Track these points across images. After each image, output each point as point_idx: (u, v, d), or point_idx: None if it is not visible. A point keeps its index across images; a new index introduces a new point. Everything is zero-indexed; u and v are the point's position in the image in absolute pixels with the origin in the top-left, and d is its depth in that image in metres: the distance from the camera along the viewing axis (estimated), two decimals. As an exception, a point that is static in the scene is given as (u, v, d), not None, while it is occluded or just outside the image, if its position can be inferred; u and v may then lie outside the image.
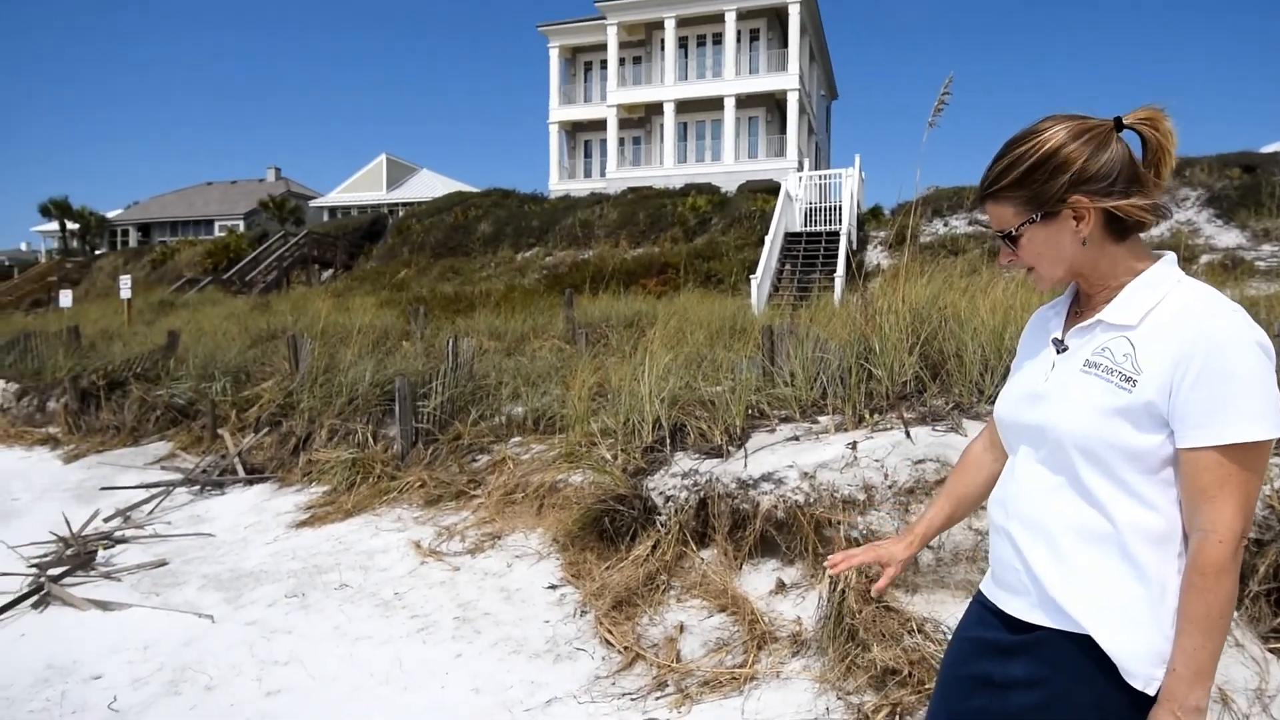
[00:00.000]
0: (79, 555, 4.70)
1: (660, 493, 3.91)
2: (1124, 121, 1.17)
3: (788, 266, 15.77)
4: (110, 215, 45.21)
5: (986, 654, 1.29)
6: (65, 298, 17.30)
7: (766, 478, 3.55)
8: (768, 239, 15.37)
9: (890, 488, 3.29)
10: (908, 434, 3.40)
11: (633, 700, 2.87)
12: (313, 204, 42.48)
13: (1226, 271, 11.87)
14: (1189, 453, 1.09)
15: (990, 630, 1.30)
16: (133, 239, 44.28)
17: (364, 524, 5.00)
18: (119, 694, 3.17)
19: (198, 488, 6.12)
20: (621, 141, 31.02)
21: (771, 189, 21.65)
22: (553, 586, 3.85)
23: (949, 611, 3.07)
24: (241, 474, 6.27)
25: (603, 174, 30.98)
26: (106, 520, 5.42)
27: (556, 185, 31.52)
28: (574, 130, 33.29)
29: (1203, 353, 1.07)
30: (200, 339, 10.10)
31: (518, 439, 5.57)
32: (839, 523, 3.34)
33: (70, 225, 39.91)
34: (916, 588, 3.25)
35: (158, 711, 3.03)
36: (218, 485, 6.17)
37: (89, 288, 27.50)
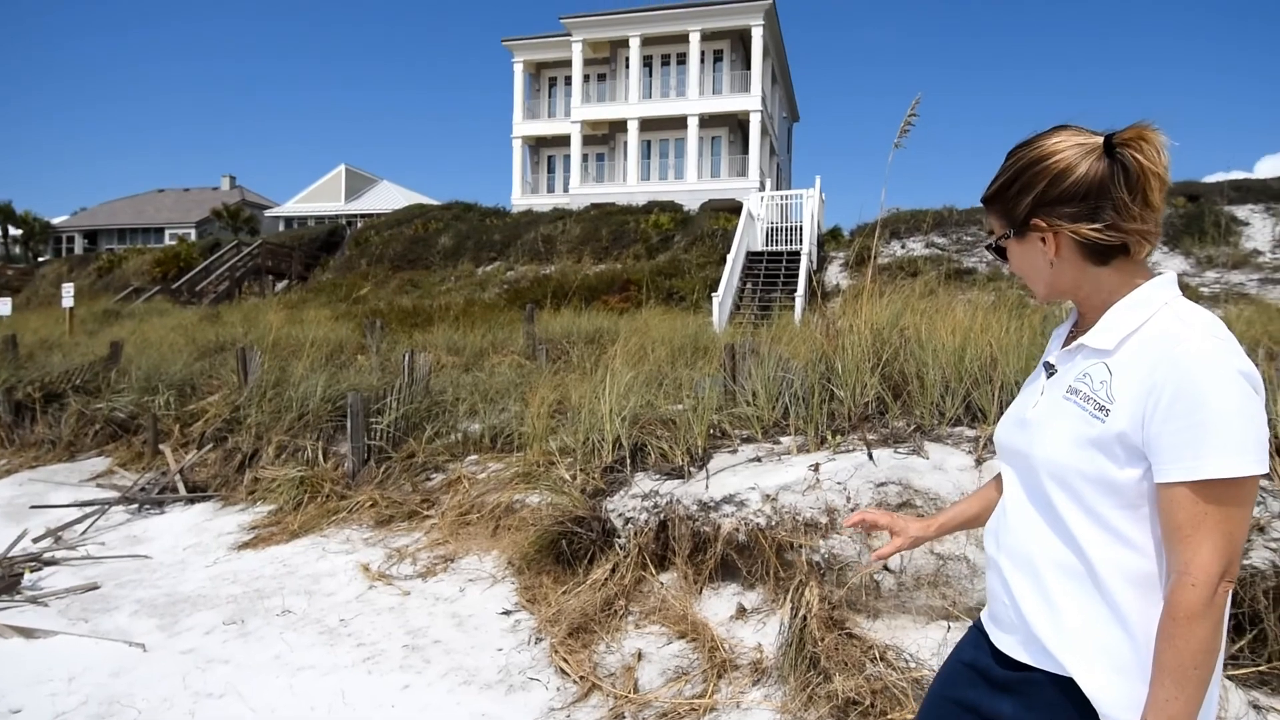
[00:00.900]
0: (3, 579, 4.42)
1: (620, 514, 3.82)
2: (1113, 140, 1.11)
3: (749, 285, 15.87)
4: (56, 221, 43.81)
5: (977, 684, 1.26)
6: (4, 305, 16.59)
7: (728, 499, 3.48)
8: (730, 257, 15.45)
9: (852, 510, 3.25)
10: (870, 456, 3.36)
11: (588, 733, 2.76)
12: (268, 213, 41.70)
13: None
14: (1164, 488, 1.02)
15: (983, 659, 1.26)
16: (79, 246, 42.91)
17: (310, 545, 4.80)
18: (37, 731, 2.95)
19: (135, 506, 5.84)
20: (585, 157, 31.05)
21: (734, 208, 21.83)
22: (507, 612, 3.72)
23: (910, 638, 3.03)
24: (183, 492, 6.01)
25: (566, 189, 30.97)
26: (36, 540, 5.13)
27: (519, 200, 31.41)
28: (538, 145, 33.25)
29: (1173, 381, 1.00)
30: (145, 350, 9.73)
31: (474, 457, 5.44)
32: (800, 546, 3.28)
33: (13, 231, 38.52)
34: (878, 613, 3.20)
35: (78, 750, 2.83)
36: (157, 504, 5.90)
37: (30, 296, 26.48)
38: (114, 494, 6.12)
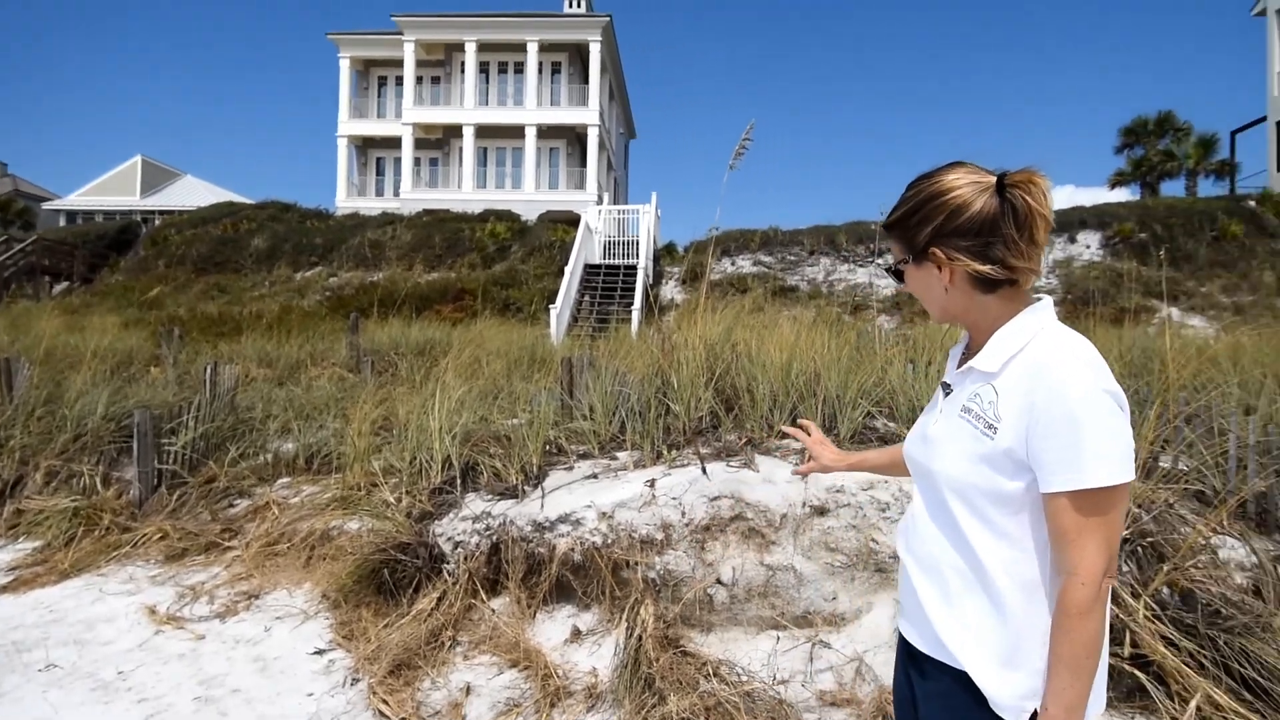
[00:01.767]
0: None
1: (449, 538, 3.61)
2: (1004, 181, 1.19)
3: (587, 297, 15.90)
4: None
5: (907, 666, 1.38)
6: None
7: (564, 519, 3.37)
8: (568, 269, 15.40)
9: (687, 526, 3.25)
10: (704, 470, 3.38)
11: (410, 781, 2.55)
12: (47, 206, 36.88)
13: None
14: (1049, 497, 1.12)
15: (904, 644, 1.40)
16: None
17: (85, 586, 4.17)
18: None
19: None
20: (417, 161, 29.98)
21: (572, 220, 21.86)
22: (320, 651, 3.39)
23: (742, 651, 3.06)
24: (-83, 530, 5.04)
25: (396, 193, 29.71)
26: None
27: (344, 202, 29.75)
28: (365, 146, 31.70)
29: (1049, 402, 1.10)
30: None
31: (286, 480, 4.98)
32: (637, 564, 3.23)
33: None
34: (711, 626, 3.21)
35: None
36: (-120, 545, 4.91)
37: None
38: None
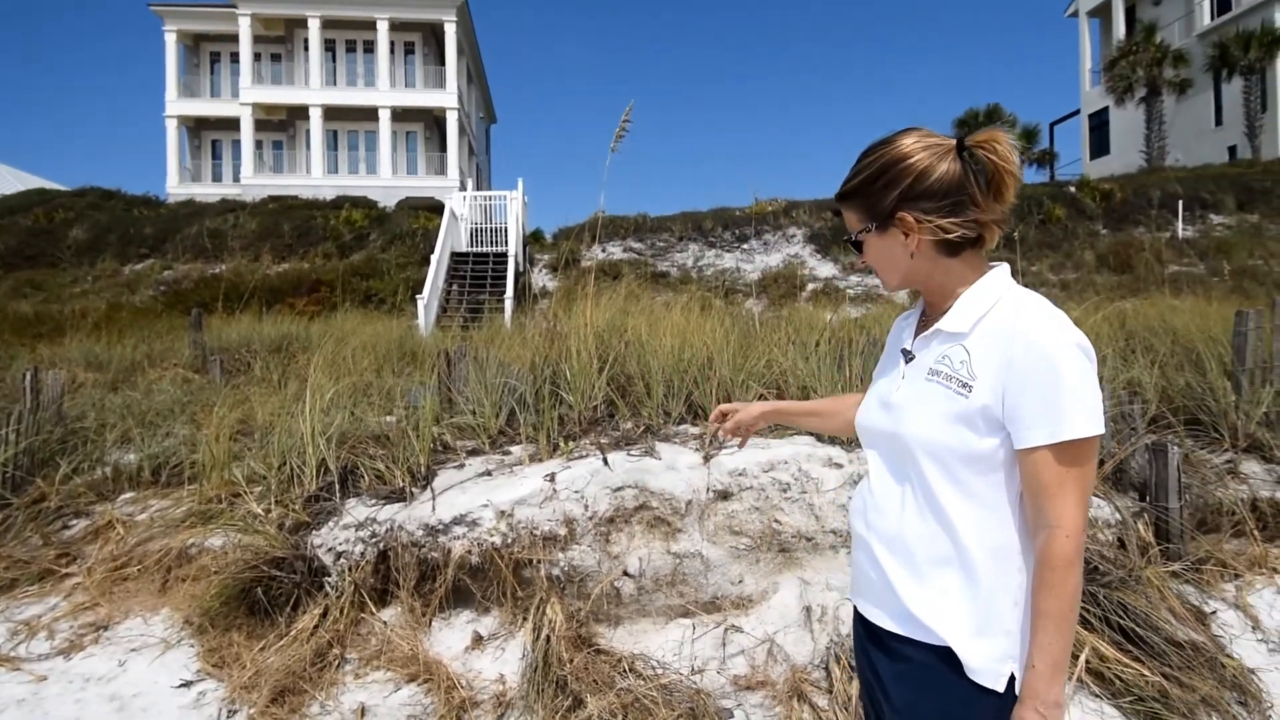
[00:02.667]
0: None
1: (329, 549, 3.33)
2: (965, 143, 1.20)
3: (455, 287, 15.39)
4: None
5: (867, 647, 1.34)
6: None
7: (459, 520, 3.19)
8: (433, 258, 14.82)
9: (591, 519, 3.15)
10: (605, 461, 3.29)
11: (306, 820, 2.31)
12: None
13: (827, 297, 14.18)
14: (1028, 453, 1.12)
15: (862, 625, 1.37)
16: None
17: (-120, 636, 3.55)
18: None
19: None
20: (259, 144, 27.95)
21: (434, 207, 21.08)
22: (187, 683, 3.04)
23: (654, 642, 3.01)
24: None
25: (236, 179, 27.60)
26: None
27: (176, 188, 27.31)
28: (198, 127, 29.21)
29: (1026, 357, 1.11)
30: None
31: (130, 495, 4.45)
32: (540, 562, 3.10)
33: None
34: (619, 620, 3.14)
35: None
36: None
37: None
38: None
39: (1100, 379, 1.31)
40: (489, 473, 3.46)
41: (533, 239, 19.37)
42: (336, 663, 3.05)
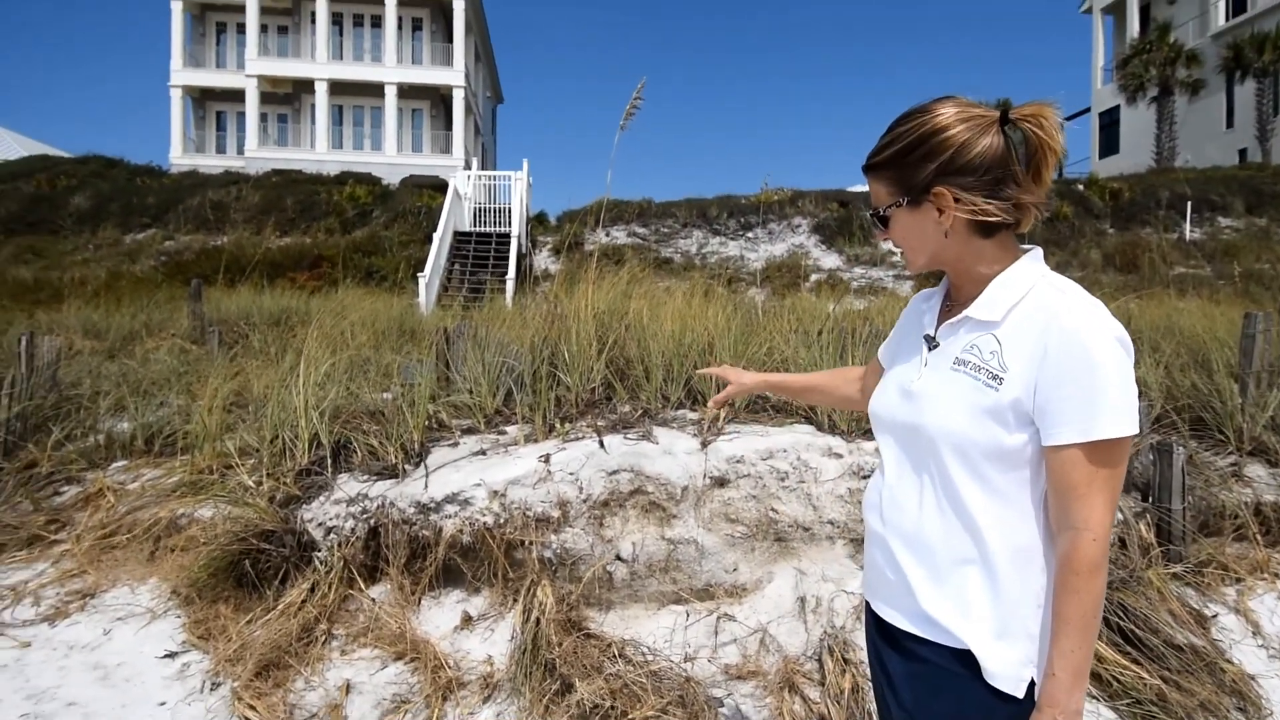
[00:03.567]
0: None
1: (319, 524, 3.29)
2: (1010, 115, 1.11)
3: (458, 266, 15.32)
4: None
5: (878, 643, 1.30)
6: None
7: (451, 499, 3.14)
8: (436, 236, 14.74)
9: (585, 502, 3.11)
10: (601, 444, 3.24)
11: (286, 796, 2.28)
12: None
13: (831, 288, 14.12)
14: (1057, 450, 1.06)
15: (874, 621, 1.32)
16: None
17: None
18: None
19: None
20: (264, 117, 27.77)
21: (438, 185, 20.96)
22: (172, 655, 3.01)
23: (645, 628, 2.97)
24: None
25: (241, 151, 27.43)
26: None
27: (180, 159, 27.14)
28: (203, 98, 28.99)
29: (1064, 350, 1.04)
30: None
31: (121, 463, 4.42)
32: (532, 543, 3.06)
33: None
34: (610, 604, 3.10)
35: None
36: None
37: None
38: None
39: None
40: (483, 452, 3.42)
41: (536, 221, 19.27)
42: (323, 638, 3.01)
